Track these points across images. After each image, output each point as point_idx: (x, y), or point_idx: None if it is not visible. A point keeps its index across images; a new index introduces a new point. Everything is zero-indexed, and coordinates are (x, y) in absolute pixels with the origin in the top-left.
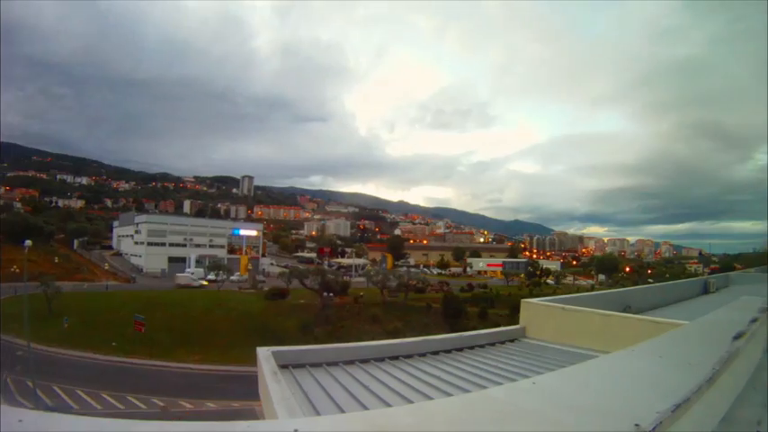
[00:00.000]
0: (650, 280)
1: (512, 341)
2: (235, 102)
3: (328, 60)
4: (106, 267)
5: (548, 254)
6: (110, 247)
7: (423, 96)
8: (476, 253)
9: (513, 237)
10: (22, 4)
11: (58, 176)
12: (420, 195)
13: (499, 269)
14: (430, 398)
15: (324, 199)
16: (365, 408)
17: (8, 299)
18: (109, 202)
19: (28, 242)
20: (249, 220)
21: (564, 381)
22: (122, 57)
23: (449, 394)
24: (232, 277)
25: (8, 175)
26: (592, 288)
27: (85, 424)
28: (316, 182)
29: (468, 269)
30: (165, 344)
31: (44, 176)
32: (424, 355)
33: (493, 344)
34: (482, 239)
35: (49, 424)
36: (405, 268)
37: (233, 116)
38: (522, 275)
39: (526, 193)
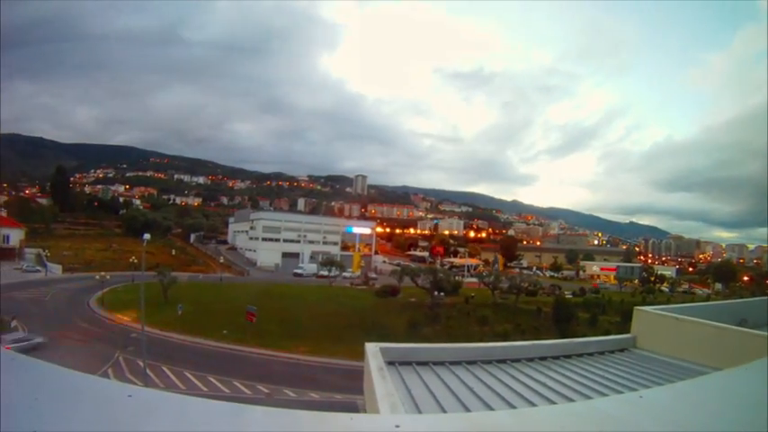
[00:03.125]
0: None
1: (621, 351)
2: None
3: None
4: (221, 260)
5: (663, 259)
6: (225, 242)
7: None
8: (589, 256)
9: (627, 239)
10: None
11: (176, 176)
12: (538, 197)
13: (612, 274)
14: (533, 404)
15: (437, 198)
16: (467, 409)
17: (126, 286)
18: (225, 200)
19: (147, 236)
20: (362, 218)
21: (672, 397)
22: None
23: (553, 402)
24: (344, 273)
25: (128, 174)
26: (707, 297)
27: (191, 403)
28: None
29: (580, 273)
30: (274, 334)
31: (162, 176)
32: (531, 359)
33: (602, 353)
34: (596, 242)
35: (156, 400)
36: (517, 270)
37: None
38: (636, 281)
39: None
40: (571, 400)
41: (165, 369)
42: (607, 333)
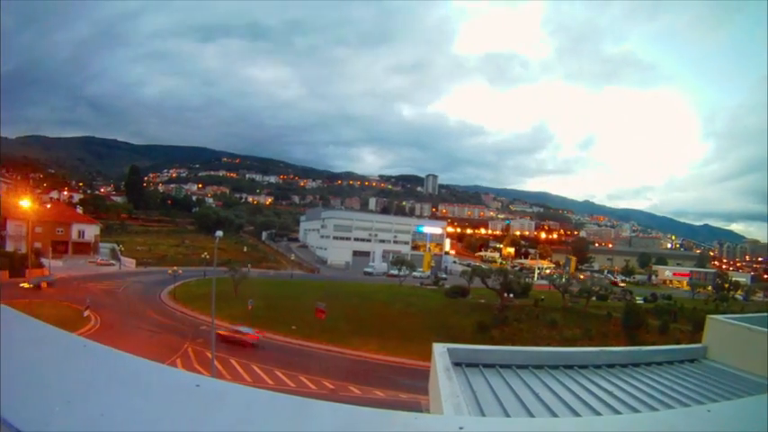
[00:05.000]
0: None
1: (691, 361)
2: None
3: None
4: (292, 258)
5: (737, 264)
6: (296, 240)
7: None
8: (662, 260)
9: (700, 243)
10: None
11: (247, 175)
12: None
13: (685, 279)
14: (598, 413)
15: (508, 198)
16: (531, 415)
17: (198, 280)
18: (296, 199)
19: (219, 233)
20: (433, 217)
21: (741, 412)
22: None
23: (617, 412)
24: (414, 273)
25: (200, 174)
26: None
27: (257, 395)
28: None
29: (652, 277)
30: (342, 331)
31: (234, 176)
32: (599, 367)
33: (671, 362)
34: (669, 245)
35: (223, 391)
36: (588, 273)
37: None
38: (709, 288)
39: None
40: (636, 410)
41: (232, 361)
42: (678, 342)
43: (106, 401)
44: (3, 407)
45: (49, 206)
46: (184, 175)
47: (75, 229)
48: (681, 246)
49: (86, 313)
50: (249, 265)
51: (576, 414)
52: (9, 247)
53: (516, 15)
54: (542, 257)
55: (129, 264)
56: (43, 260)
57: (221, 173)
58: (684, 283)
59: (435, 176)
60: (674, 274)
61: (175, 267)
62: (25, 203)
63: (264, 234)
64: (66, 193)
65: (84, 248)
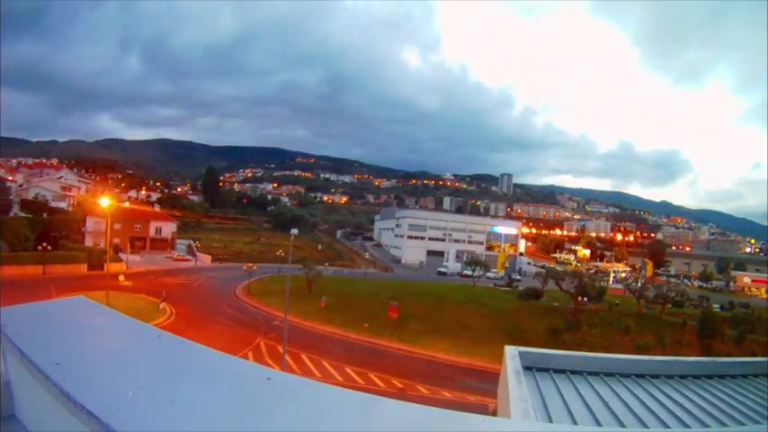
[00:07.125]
0: None
1: (766, 376)
2: None
3: None
4: (366, 256)
5: None
6: (371, 239)
7: None
8: (740, 265)
9: None
10: None
11: (322, 175)
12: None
13: (765, 287)
14: (667, 426)
15: (584, 198)
16: (598, 424)
17: (272, 277)
18: (371, 198)
19: (294, 231)
20: (508, 217)
21: None
22: None
23: (687, 426)
24: (488, 274)
25: (275, 174)
26: None
27: (327, 391)
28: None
29: (731, 283)
30: (414, 331)
31: (309, 175)
32: (671, 377)
33: (745, 376)
34: (748, 249)
35: (294, 385)
36: (664, 277)
37: None
38: None
39: None
40: (706, 425)
41: (303, 357)
42: (754, 354)
43: (177, 390)
44: (78, 391)
45: (127, 204)
46: (260, 174)
47: (152, 225)
48: (761, 250)
49: (162, 305)
50: (327, 263)
51: (644, 425)
52: (88, 243)
53: None
54: (618, 260)
55: (205, 259)
56: (121, 255)
57: (296, 172)
58: (763, 290)
59: (510, 175)
60: (753, 280)
61: (250, 264)
62: (104, 202)
63: (339, 233)
64: (143, 192)
65: (161, 244)
